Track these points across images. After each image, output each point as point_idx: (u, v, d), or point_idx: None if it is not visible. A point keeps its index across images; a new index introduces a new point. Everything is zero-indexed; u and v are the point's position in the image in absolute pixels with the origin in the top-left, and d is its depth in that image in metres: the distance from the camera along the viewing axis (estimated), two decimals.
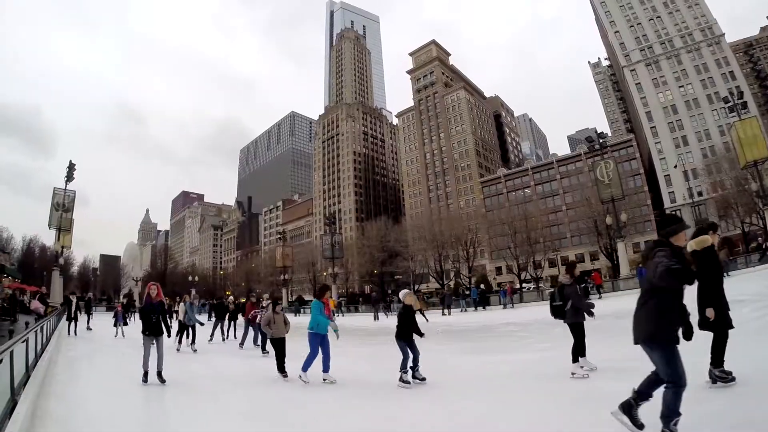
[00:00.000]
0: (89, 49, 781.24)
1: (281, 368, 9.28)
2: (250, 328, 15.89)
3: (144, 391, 8.19)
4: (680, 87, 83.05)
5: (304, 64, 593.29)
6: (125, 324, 20.68)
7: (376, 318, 34.68)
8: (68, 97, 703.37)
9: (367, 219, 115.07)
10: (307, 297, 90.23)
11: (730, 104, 39.42)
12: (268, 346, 12.05)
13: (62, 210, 45.81)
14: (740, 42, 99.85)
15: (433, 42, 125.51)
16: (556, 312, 7.92)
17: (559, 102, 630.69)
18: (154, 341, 8.72)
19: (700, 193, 71.89)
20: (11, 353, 5.49)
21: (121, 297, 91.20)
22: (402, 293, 8.87)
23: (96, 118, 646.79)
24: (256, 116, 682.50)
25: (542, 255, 71.18)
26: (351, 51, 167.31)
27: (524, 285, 64.71)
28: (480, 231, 77.58)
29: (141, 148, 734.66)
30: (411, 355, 8.06)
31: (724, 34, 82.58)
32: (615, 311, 18.38)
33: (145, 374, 8.40)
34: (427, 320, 20.38)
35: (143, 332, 8.75)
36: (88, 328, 23.07)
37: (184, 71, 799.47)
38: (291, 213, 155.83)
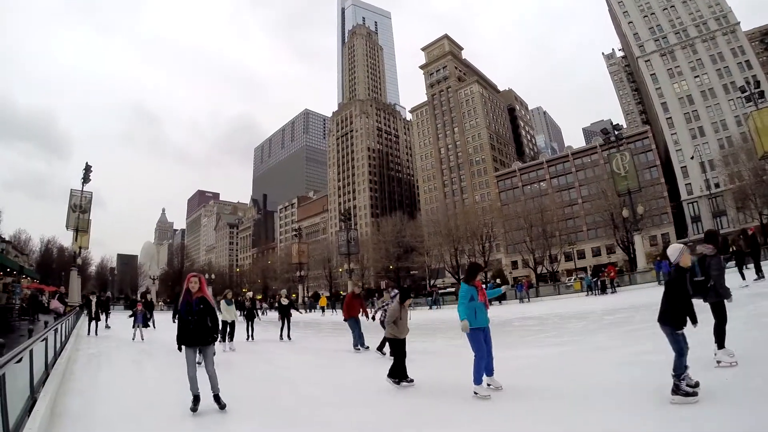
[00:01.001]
0: (103, 52, 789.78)
1: (401, 374, 7.50)
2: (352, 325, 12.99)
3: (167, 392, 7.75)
4: (696, 77, 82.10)
5: (317, 62, 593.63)
6: (146, 326, 18.91)
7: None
8: (83, 100, 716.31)
9: (382, 215, 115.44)
10: (322, 293, 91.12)
11: (746, 94, 39.04)
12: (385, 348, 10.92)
13: (79, 211, 46.52)
14: (756, 30, 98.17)
15: (446, 36, 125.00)
16: (698, 289, 6.36)
17: (574, 94, 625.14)
18: (199, 353, 6.63)
19: (717, 185, 71.00)
20: (30, 352, 5.67)
21: (139, 295, 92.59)
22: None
23: (111, 121, 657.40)
24: (270, 115, 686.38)
25: (558, 249, 70.87)
26: (363, 47, 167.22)
27: (568, 278, 64.85)
28: (495, 225, 77.55)
29: (157, 149, 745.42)
30: None
31: (739, 23, 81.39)
32: (632, 304, 18.48)
33: (195, 399, 6.24)
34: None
35: (180, 342, 6.41)
36: (107, 326, 23.51)
37: (198, 72, 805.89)
38: (306, 210, 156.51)
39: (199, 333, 6.42)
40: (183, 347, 6.41)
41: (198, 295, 6.56)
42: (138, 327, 17.76)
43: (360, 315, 13.03)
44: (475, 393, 6.28)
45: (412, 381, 7.50)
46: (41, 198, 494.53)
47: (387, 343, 10.40)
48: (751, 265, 17.30)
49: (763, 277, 16.37)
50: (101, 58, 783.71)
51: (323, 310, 44.90)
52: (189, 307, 6.50)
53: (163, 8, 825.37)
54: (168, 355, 13.17)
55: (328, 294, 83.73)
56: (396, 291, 13.33)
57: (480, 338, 6.55)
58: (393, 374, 7.46)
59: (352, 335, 12.63)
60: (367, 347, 12.29)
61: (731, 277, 9.65)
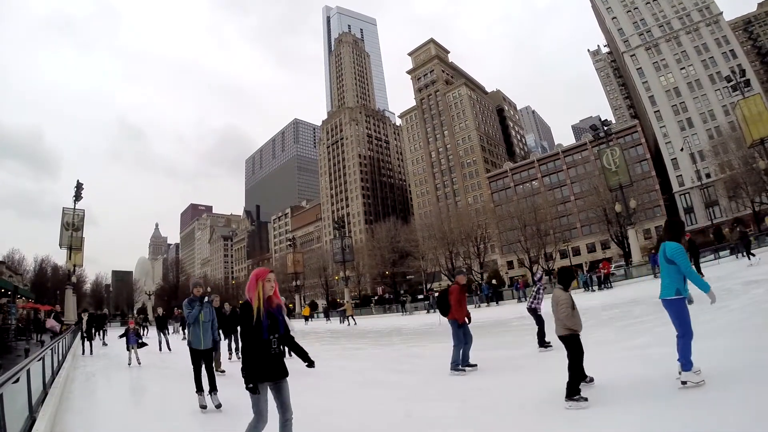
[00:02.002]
0: (85, 70, 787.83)
1: (580, 379, 5.50)
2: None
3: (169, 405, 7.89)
4: (681, 69, 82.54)
5: (304, 71, 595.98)
6: (140, 346, 14.80)
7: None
8: (69, 118, 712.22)
9: (375, 221, 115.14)
10: (319, 302, 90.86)
11: (732, 83, 39.20)
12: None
13: (72, 229, 46.27)
14: (739, 19, 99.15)
15: (432, 41, 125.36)
16: None
17: (562, 92, 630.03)
18: (275, 391, 4.12)
19: (708, 175, 71.24)
20: (28, 372, 5.54)
21: (135, 311, 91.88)
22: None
23: (98, 138, 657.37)
24: (259, 126, 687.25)
25: (553, 247, 71.00)
26: (350, 55, 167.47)
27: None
28: (489, 226, 77.58)
29: (146, 164, 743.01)
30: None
31: (722, 13, 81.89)
32: (629, 299, 18.36)
33: None
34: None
35: (257, 378, 3.98)
36: (104, 344, 23.19)
37: (184, 86, 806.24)
38: (300, 219, 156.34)
39: (281, 360, 4.18)
40: (258, 386, 3.99)
41: (277, 303, 4.35)
42: (132, 349, 14.60)
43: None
44: (684, 383, 5.08)
45: (591, 379, 6.03)
46: (32, 216, 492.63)
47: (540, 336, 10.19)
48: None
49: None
50: (83, 75, 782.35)
51: (306, 320, 45.15)
52: (273, 322, 4.17)
53: (145, 24, 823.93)
54: (167, 370, 12.90)
55: (325, 302, 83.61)
56: (540, 273, 12.44)
57: (686, 309, 5.28)
58: (574, 391, 5.36)
59: (455, 348, 8.70)
60: (475, 365, 8.70)
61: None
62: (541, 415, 5.29)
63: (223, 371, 11.08)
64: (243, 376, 3.96)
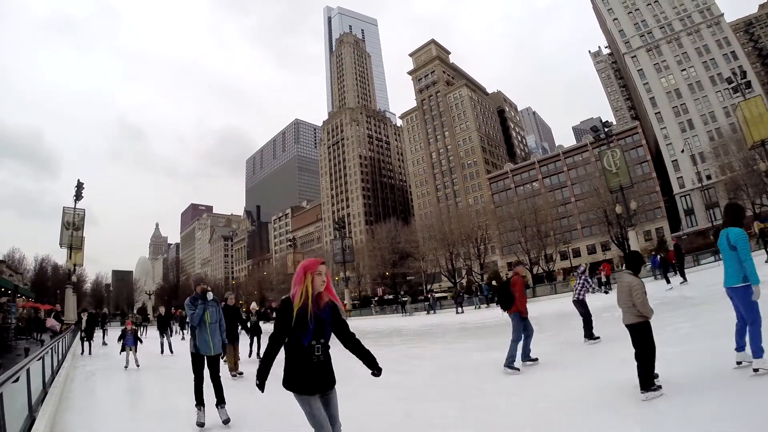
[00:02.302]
0: (85, 70, 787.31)
1: (653, 369, 5.19)
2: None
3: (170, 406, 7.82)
4: (682, 70, 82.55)
5: (305, 72, 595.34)
6: (136, 343, 14.04)
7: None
8: (69, 118, 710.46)
9: (376, 221, 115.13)
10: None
11: (733, 84, 39.08)
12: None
13: (73, 228, 46.19)
14: (740, 21, 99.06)
15: (432, 41, 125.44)
16: None
17: (563, 93, 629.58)
18: (323, 403, 3.50)
19: (708, 177, 71.24)
20: (27, 371, 5.55)
21: (135, 311, 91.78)
22: None
23: (98, 138, 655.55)
24: (259, 126, 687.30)
25: (553, 248, 70.99)
26: (351, 55, 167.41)
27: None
28: (490, 227, 77.58)
29: (146, 164, 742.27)
30: None
31: (723, 14, 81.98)
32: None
33: None
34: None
35: (303, 389, 3.42)
36: (104, 343, 23.17)
37: (184, 86, 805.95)
38: (300, 220, 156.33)
39: (328, 368, 3.56)
40: (303, 396, 3.39)
41: (327, 301, 3.63)
42: (130, 350, 13.68)
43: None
44: (756, 370, 4.98)
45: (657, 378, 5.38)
46: (32, 216, 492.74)
47: (589, 327, 10.10)
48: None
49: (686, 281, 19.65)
50: (83, 75, 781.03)
51: None
52: (319, 326, 3.51)
53: (146, 24, 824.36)
54: (167, 370, 12.87)
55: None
56: (584, 267, 12.47)
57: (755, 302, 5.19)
58: (649, 382, 5.16)
59: (513, 342, 8.25)
60: (536, 359, 8.52)
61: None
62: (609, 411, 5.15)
63: (240, 373, 10.60)
64: (257, 377, 3.44)
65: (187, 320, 7.31)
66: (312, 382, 3.39)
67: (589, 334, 9.99)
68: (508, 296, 8.58)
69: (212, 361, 6.49)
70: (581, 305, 10.54)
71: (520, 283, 8.62)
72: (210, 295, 6.82)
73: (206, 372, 6.45)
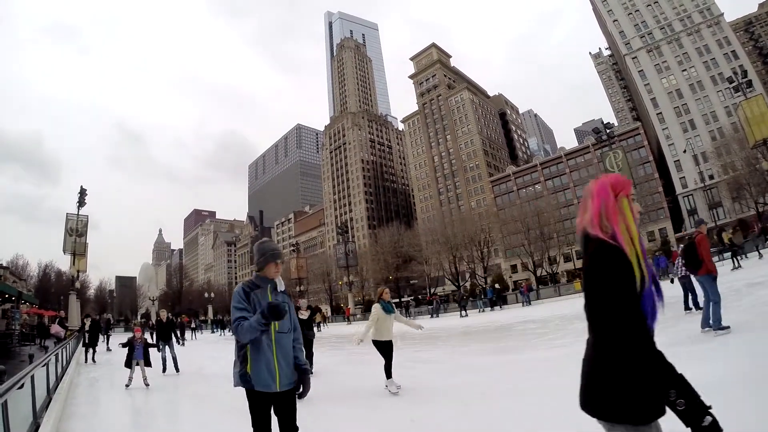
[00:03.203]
0: (86, 76, 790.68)
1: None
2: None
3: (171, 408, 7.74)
4: (683, 71, 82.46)
5: (307, 77, 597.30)
6: (147, 363, 10.93)
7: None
8: (70, 124, 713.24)
9: (379, 226, 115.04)
10: (323, 307, 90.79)
11: (734, 84, 39.17)
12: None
13: (76, 235, 46.50)
14: (740, 20, 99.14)
15: (433, 45, 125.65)
16: None
17: (564, 95, 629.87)
18: None
19: (711, 177, 71.07)
20: (32, 378, 5.58)
21: (139, 317, 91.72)
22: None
23: (99, 143, 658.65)
24: (261, 131, 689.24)
25: (557, 250, 70.75)
26: (352, 60, 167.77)
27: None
28: (493, 230, 77.41)
29: (148, 170, 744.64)
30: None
31: (723, 14, 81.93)
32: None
33: None
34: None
35: (653, 413, 1.71)
36: (108, 349, 23.09)
37: (185, 92, 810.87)
38: (303, 225, 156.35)
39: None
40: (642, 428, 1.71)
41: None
42: (138, 365, 10.78)
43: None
44: None
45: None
46: (34, 221, 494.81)
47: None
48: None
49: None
50: (84, 81, 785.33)
51: (318, 326, 45.15)
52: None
53: (143, 30, 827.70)
54: (174, 374, 12.83)
55: (329, 307, 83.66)
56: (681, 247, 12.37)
57: None
58: None
59: (715, 305, 7.53)
60: (728, 327, 7.45)
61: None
62: None
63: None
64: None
65: (228, 330, 5.24)
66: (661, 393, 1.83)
67: (697, 306, 10.01)
68: (694, 258, 7.84)
69: (285, 399, 3.26)
70: (687, 281, 10.65)
71: (705, 241, 7.88)
72: (282, 285, 3.61)
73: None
